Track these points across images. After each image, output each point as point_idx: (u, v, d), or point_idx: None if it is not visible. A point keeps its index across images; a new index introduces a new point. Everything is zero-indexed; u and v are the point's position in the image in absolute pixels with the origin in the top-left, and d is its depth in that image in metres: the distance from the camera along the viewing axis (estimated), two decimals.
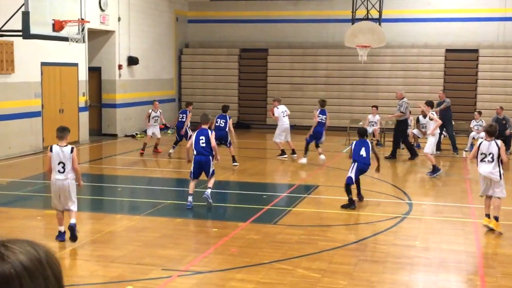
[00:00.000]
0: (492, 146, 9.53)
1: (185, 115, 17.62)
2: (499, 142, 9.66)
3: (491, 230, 9.43)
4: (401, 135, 17.61)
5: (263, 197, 12.35)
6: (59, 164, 8.50)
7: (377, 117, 20.26)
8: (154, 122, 17.72)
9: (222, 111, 16.23)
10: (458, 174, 15.46)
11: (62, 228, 8.71)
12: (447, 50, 24.26)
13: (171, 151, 17.10)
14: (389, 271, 7.68)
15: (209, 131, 11.05)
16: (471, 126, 19.82)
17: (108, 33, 21.66)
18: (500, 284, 7.27)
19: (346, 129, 21.12)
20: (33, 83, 17.68)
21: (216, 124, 15.51)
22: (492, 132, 9.68)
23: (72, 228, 8.56)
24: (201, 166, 10.99)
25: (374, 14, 21.41)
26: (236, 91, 26.26)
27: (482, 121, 19.71)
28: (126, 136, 22.18)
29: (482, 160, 9.58)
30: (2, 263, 1.29)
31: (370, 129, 20.01)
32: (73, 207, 8.69)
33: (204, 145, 10.90)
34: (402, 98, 17.59)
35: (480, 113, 20.40)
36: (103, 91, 22.21)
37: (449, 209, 11.38)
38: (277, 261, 7.92)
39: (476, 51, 24.01)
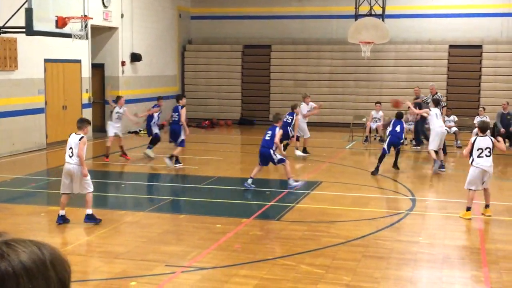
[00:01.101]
0: (486, 141, 10.11)
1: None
2: (492, 137, 10.46)
3: (468, 219, 10.02)
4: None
5: (267, 193, 12.35)
6: (69, 149, 9.49)
7: (381, 113, 20.22)
8: (117, 118, 15.99)
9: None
10: (461, 170, 15.41)
11: (62, 212, 9.50)
12: (451, 46, 24.20)
13: (151, 154, 16.12)
14: (393, 267, 7.68)
15: (277, 128, 12.39)
16: (475, 122, 19.75)
17: (111, 30, 21.67)
18: (504, 279, 7.26)
19: (349, 125, 21.10)
20: (37, 79, 17.70)
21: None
22: (485, 128, 10.38)
23: (88, 217, 9.45)
24: (264, 157, 12.40)
25: (377, 10, 21.36)
26: (239, 87, 26.25)
27: (486, 117, 19.62)
28: (129, 132, 22.19)
29: (479, 156, 10.02)
30: (0, 260, 1.28)
31: (373, 125, 20.00)
32: (85, 191, 9.47)
33: (268, 139, 12.29)
34: (436, 93, 17.82)
35: (484, 109, 20.34)
36: (107, 88, 22.21)
37: (453, 205, 11.36)
38: (280, 257, 7.93)
39: (480, 46, 23.95)
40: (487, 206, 10.34)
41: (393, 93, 22.78)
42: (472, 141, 10.13)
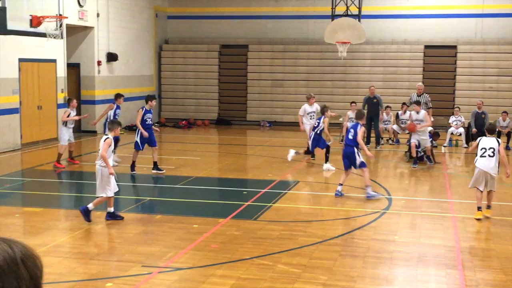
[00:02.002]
0: (492, 141, 10.11)
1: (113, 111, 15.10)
2: (499, 139, 10.32)
3: (478, 220, 10.00)
4: None
5: (244, 193, 12.35)
6: (98, 151, 9.74)
7: None
8: (71, 124, 15.13)
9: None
10: (437, 170, 15.58)
11: (110, 209, 9.62)
12: (426, 46, 24.44)
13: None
14: (369, 266, 7.72)
15: (359, 126, 11.75)
16: (450, 121, 19.97)
17: (87, 29, 21.50)
18: (478, 277, 7.35)
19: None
20: (11, 79, 17.49)
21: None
22: (491, 130, 10.40)
23: (110, 214, 9.58)
24: (347, 157, 11.76)
25: (354, 10, 21.49)
26: (216, 87, 26.22)
27: (461, 117, 19.87)
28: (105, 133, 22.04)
29: (482, 156, 10.07)
30: None
31: (349, 125, 20.08)
32: (102, 193, 9.49)
33: (351, 137, 11.69)
34: (423, 93, 17.81)
35: (459, 108, 20.58)
36: (82, 88, 22.05)
37: (428, 204, 11.47)
38: (257, 257, 7.93)
39: (454, 47, 24.22)
40: (488, 207, 10.33)
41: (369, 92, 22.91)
42: (478, 141, 10.25)
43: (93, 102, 22.02)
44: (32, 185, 13.43)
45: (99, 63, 21.98)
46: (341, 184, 11.78)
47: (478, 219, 10.06)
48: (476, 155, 10.19)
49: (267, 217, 10.17)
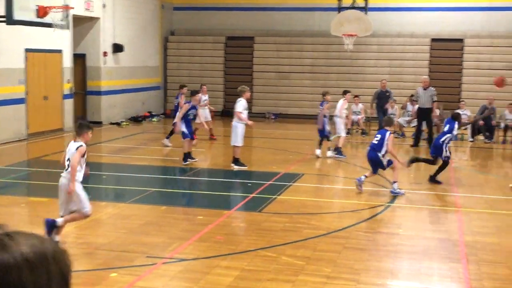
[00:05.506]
0: None
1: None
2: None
3: None
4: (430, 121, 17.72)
5: (248, 185, 12.36)
6: (67, 160, 7.78)
7: (360, 106, 20.36)
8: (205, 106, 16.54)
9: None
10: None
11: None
12: (433, 40, 24.34)
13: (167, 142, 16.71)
14: (374, 259, 7.73)
15: (388, 132, 11.31)
16: None
17: (93, 20, 21.49)
18: (482, 271, 7.35)
19: (331, 118, 21.11)
20: (17, 69, 17.52)
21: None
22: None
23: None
24: (372, 161, 11.48)
25: (360, 2, 21.40)
26: (222, 79, 26.20)
27: (467, 111, 19.82)
28: (111, 123, 22.08)
29: None
30: (1, 251, 1.26)
31: (355, 119, 20.09)
32: (74, 207, 7.84)
33: (376, 142, 11.32)
34: (429, 87, 17.67)
35: (464, 102, 20.55)
36: (88, 78, 22.07)
37: (433, 197, 11.46)
38: (262, 249, 7.95)
39: (461, 40, 24.11)
40: None
41: (375, 86, 22.82)
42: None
43: (99, 93, 22.05)
44: (38, 175, 13.48)
45: (105, 54, 21.98)
46: (366, 176, 11.55)
47: None
48: None
49: (272, 209, 10.18)
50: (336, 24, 20.71)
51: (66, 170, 7.81)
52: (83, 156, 7.77)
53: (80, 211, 7.86)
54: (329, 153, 15.40)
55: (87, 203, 7.85)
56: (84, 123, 8.27)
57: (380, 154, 11.29)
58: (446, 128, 12.46)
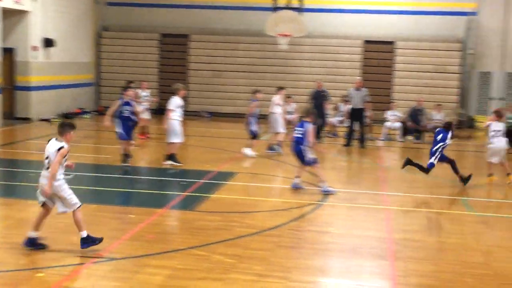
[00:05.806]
0: (502, 124, 12.95)
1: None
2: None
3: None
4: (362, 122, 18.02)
5: (182, 183, 12.28)
6: (46, 159, 7.59)
7: (293, 105, 20.65)
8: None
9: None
10: (372, 163, 15.89)
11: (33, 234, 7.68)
12: (366, 41, 24.84)
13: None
14: (304, 257, 7.82)
15: (308, 124, 11.56)
16: (387, 116, 20.40)
17: (23, 13, 20.86)
18: (409, 268, 7.55)
19: (267, 117, 21.23)
20: None
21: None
22: (501, 114, 13.19)
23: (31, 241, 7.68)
24: (296, 154, 11.71)
25: (295, 3, 21.58)
26: (156, 76, 25.94)
27: (397, 111, 20.33)
28: (41, 120, 21.50)
29: (495, 136, 12.79)
30: None
31: (289, 117, 20.25)
32: (67, 209, 7.80)
33: (299, 135, 11.55)
34: (362, 88, 17.95)
35: (395, 103, 21.07)
36: (17, 73, 21.42)
37: (363, 196, 11.69)
38: (193, 247, 7.91)
39: (392, 43, 24.71)
40: (508, 174, 12.98)
41: (310, 86, 23.10)
42: (487, 125, 13.00)
43: (28, 89, 21.44)
44: None
45: (35, 48, 21.38)
46: (298, 177, 11.77)
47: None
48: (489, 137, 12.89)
49: (205, 208, 10.15)
50: (271, 24, 20.84)
51: (47, 169, 7.56)
52: (64, 157, 7.58)
53: (72, 209, 7.76)
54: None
55: (73, 196, 7.79)
56: (67, 122, 7.93)
57: (303, 148, 11.50)
58: (438, 138, 12.71)
